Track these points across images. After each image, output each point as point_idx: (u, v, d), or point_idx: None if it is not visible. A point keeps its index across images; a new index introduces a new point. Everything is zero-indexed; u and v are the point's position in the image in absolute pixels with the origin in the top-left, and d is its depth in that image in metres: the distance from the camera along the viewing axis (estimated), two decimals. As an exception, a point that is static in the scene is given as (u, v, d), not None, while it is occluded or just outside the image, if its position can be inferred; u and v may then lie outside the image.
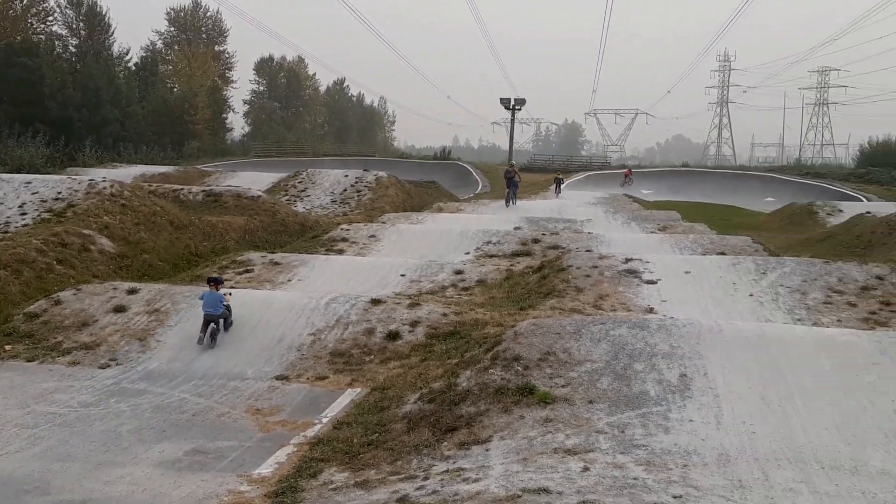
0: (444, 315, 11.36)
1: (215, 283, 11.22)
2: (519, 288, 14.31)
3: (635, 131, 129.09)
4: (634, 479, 5.88)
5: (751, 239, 19.93)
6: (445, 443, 7.16)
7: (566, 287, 13.33)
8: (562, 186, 42.54)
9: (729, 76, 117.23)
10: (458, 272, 15.48)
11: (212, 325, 10.69)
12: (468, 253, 18.64)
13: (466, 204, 33.67)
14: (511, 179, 32.03)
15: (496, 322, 10.99)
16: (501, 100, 45.78)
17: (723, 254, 17.05)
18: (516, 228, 22.54)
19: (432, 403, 7.99)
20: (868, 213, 30.74)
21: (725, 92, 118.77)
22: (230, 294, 11.34)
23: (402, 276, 15.29)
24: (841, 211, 34.19)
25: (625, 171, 53.39)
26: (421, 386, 8.64)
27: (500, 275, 15.40)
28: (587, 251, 16.42)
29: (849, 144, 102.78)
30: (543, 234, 20.45)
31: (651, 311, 12.14)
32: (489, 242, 19.44)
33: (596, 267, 14.21)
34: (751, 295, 12.87)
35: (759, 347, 8.14)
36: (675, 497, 5.48)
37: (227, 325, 11.00)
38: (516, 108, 45.99)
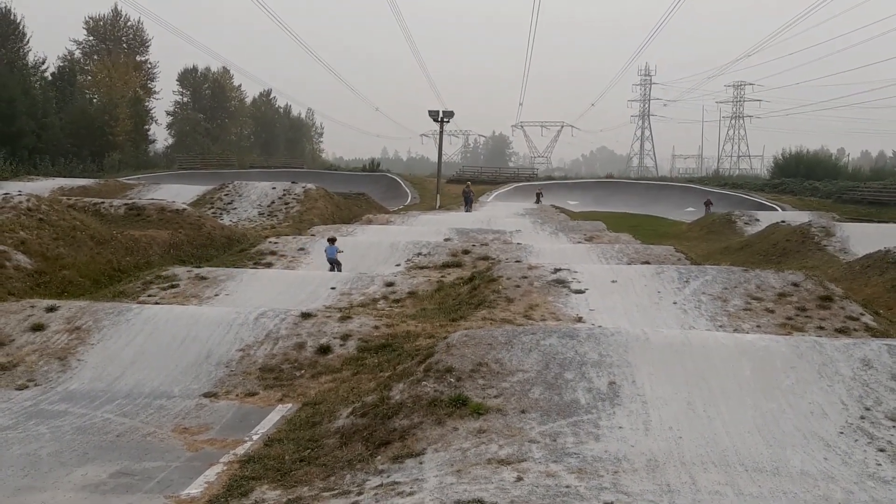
0: (376, 328, 11.30)
1: (332, 241, 18.49)
2: (450, 299, 14.35)
3: (561, 143, 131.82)
4: (567, 487, 5.95)
5: (673, 248, 20.53)
6: (379, 457, 7.10)
7: (497, 297, 13.44)
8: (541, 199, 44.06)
9: (650, 90, 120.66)
10: (389, 284, 15.44)
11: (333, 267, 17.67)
12: (399, 265, 18.61)
13: (396, 216, 33.65)
14: (467, 196, 38.33)
15: (428, 334, 11.00)
16: (430, 112, 45.98)
17: (647, 263, 17.49)
18: (446, 240, 22.63)
19: (365, 417, 7.92)
20: (783, 222, 32.02)
21: (647, 105, 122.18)
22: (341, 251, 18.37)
23: (333, 289, 15.16)
24: (758, 220, 35.55)
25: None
26: (353, 400, 8.57)
27: (432, 286, 15.43)
28: (517, 262, 16.59)
29: (763, 156, 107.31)
30: (473, 246, 20.59)
31: (580, 320, 12.35)
32: (420, 254, 19.46)
33: (525, 277, 14.38)
34: (675, 303, 13.23)
35: (684, 354, 8.36)
36: (606, 503, 5.57)
37: (340, 268, 17.78)
38: (444, 120, 46.21)
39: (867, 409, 7.46)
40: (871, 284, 18.82)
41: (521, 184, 61.47)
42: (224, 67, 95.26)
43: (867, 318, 12.71)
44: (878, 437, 6.99)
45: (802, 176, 59.11)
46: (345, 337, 10.99)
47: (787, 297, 13.27)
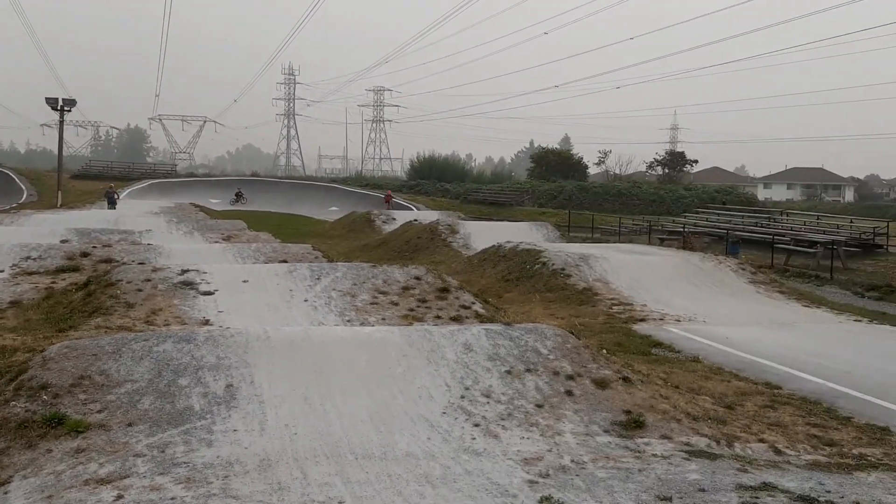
0: (-41, 345, 9.76)
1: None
2: (60, 308, 12.98)
3: (205, 139, 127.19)
4: (172, 498, 5.67)
5: (311, 246, 20.93)
6: (-49, 495, 6.11)
7: (115, 303, 12.47)
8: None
9: (294, 89, 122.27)
10: (-16, 294, 13.48)
11: None
12: (2, 271, 16.35)
13: (5, 216, 29.66)
14: (111, 196, 39.47)
15: (28, 347, 9.79)
16: (47, 99, 41.40)
17: (284, 261, 17.58)
18: (63, 241, 20.47)
19: (-67, 451, 6.76)
20: (416, 220, 34.61)
21: (292, 104, 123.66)
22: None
23: None
24: (394, 219, 37.97)
25: (385, 193, 51.77)
26: (-81, 432, 7.26)
27: (39, 294, 13.82)
28: (140, 264, 15.56)
29: (403, 158, 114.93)
30: (95, 247, 18.90)
31: (207, 322, 11.95)
32: (28, 258, 17.29)
33: (149, 280, 13.54)
34: (306, 300, 13.47)
35: (305, 350, 8.50)
36: (212, 511, 5.41)
37: None
38: (66, 108, 41.96)
39: (467, 389, 8.26)
40: (486, 276, 21.10)
41: (158, 180, 58.27)
42: None
43: (478, 307, 14.16)
44: (475, 414, 7.78)
45: (436, 178, 64.59)
46: (-85, 358, 9.30)
47: (411, 290, 14.27)
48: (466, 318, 13.41)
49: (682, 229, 34.58)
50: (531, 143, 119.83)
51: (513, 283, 19.73)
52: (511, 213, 46.71)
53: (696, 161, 76.00)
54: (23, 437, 6.81)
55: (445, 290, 14.55)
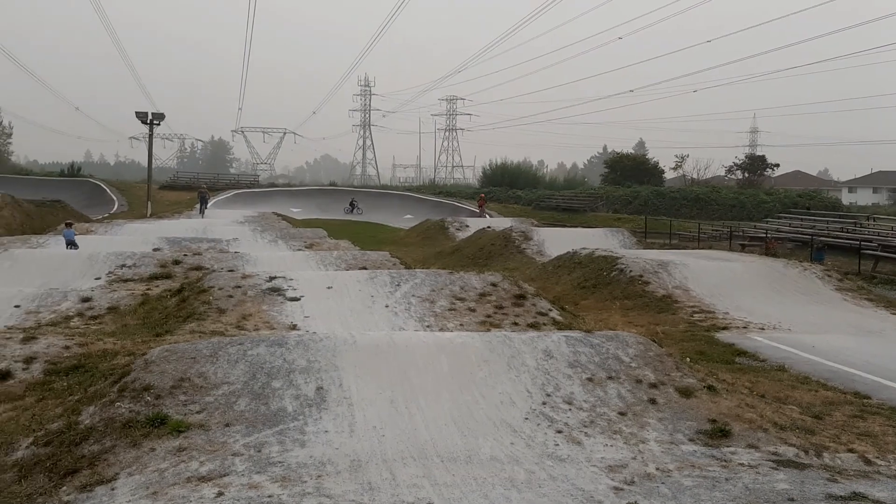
0: (67, 348, 10.31)
1: (69, 225, 22.99)
2: (156, 313, 13.56)
3: (285, 150, 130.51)
4: (269, 496, 5.90)
5: (389, 253, 21.25)
6: (65, 487, 6.49)
7: (207, 309, 12.96)
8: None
9: (370, 100, 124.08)
10: (86, 300, 14.19)
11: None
12: (99, 278, 17.20)
13: (99, 225, 31.06)
14: (203, 197, 43.80)
15: (128, 351, 10.27)
16: (137, 114, 43.14)
17: (364, 268, 17.93)
18: (155, 250, 21.37)
19: (49, 446, 7.19)
20: (489, 228, 34.63)
21: (367, 115, 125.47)
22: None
23: (17, 307, 13.59)
24: (468, 227, 38.08)
25: (479, 197, 52.20)
26: (35, 428, 7.73)
27: (136, 300, 14.45)
28: (230, 271, 16.12)
29: (475, 166, 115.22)
30: (185, 255, 19.66)
31: (294, 327, 12.31)
32: (124, 266, 18.14)
33: (239, 287, 14.02)
34: (386, 306, 13.71)
35: (389, 354, 8.69)
36: (307, 509, 5.60)
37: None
38: (154, 122, 43.66)
39: (548, 395, 8.30)
40: (561, 283, 21.03)
41: (241, 190, 59.97)
42: None
43: (555, 314, 14.15)
44: (557, 420, 7.81)
45: (507, 185, 64.52)
46: (28, 360, 9.88)
47: (488, 296, 14.36)
48: (544, 324, 13.41)
49: (764, 235, 33.62)
50: (604, 148, 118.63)
51: (589, 291, 19.60)
52: (585, 219, 46.26)
53: (777, 165, 73.75)
54: (128, 436, 7.17)
55: (522, 296, 14.58)
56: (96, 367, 9.66)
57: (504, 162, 75.32)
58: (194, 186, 57.68)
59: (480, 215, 46.66)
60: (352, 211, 51.46)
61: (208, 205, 44.64)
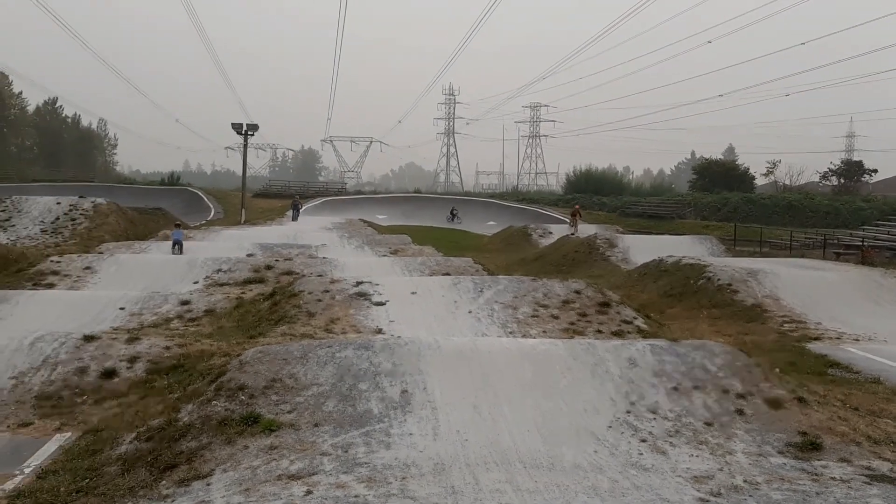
0: (167, 348, 10.81)
1: (178, 225, 26.01)
2: (250, 316, 14.04)
3: (371, 158, 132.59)
4: (356, 496, 6.04)
5: (472, 260, 21.35)
6: (164, 481, 6.81)
7: (297, 312, 13.33)
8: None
9: (454, 108, 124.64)
10: (185, 303, 14.82)
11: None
12: (197, 282, 17.92)
13: (197, 231, 32.33)
14: (296, 205, 46.12)
15: (223, 352, 10.68)
16: (233, 125, 44.67)
17: (447, 274, 18.08)
18: (249, 255, 22.09)
19: (150, 442, 7.56)
20: (573, 234, 34.31)
21: (451, 123, 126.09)
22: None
23: (122, 309, 14.30)
24: (551, 233, 37.78)
25: (573, 208, 41.17)
26: (138, 424, 8.15)
27: (231, 303, 15.00)
28: (319, 276, 16.54)
29: (558, 173, 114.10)
30: (277, 261, 20.26)
31: (380, 331, 12.53)
32: (219, 270, 18.84)
33: (327, 291, 14.37)
34: (470, 311, 13.79)
35: (472, 360, 8.75)
36: (392, 509, 5.71)
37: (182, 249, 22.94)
38: (249, 133, 45.12)
39: (632, 404, 8.19)
40: (647, 291, 20.65)
41: (330, 198, 61.31)
42: (1, 72, 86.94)
43: (640, 322, 13.93)
44: (641, 429, 7.70)
45: (592, 191, 63.66)
46: (132, 359, 10.41)
47: (571, 303, 14.25)
48: (628, 333, 13.22)
49: (860, 243, 32.13)
50: (692, 153, 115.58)
51: (675, 299, 19.18)
52: (672, 226, 45.26)
53: (874, 170, 70.31)
54: (223, 433, 7.47)
55: (606, 304, 14.42)
56: (194, 366, 10.10)
57: (588, 168, 74.43)
58: (286, 194, 59.32)
59: (572, 229, 37.27)
60: (452, 220, 51.72)
61: (300, 211, 46.26)
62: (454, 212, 53.25)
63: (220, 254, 21.40)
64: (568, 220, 39.83)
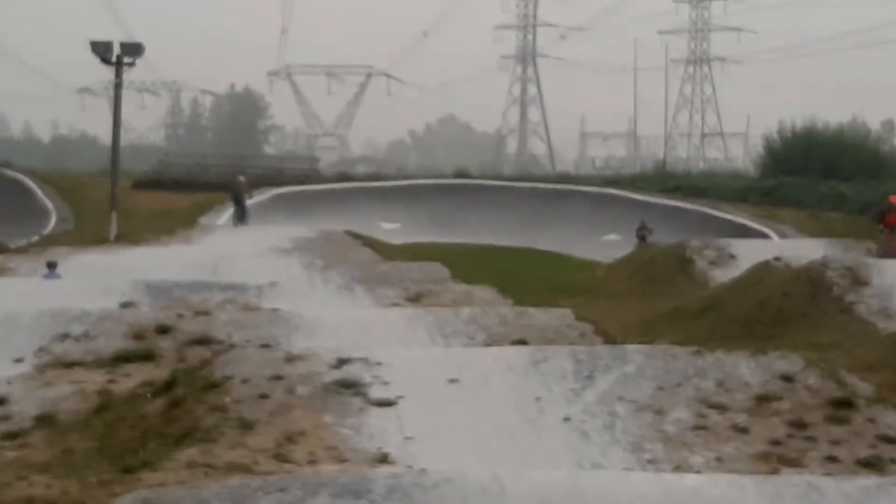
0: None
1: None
2: (125, 428, 14.17)
3: (369, 108, 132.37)
4: None
5: (573, 313, 21.29)
6: None
7: (221, 422, 13.41)
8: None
9: (535, 8, 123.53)
10: (-3, 402, 15.06)
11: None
12: (21, 359, 18.17)
13: (22, 258, 32.81)
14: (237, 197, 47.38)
15: (72, 502, 10.79)
16: (94, 44, 45.01)
17: (522, 342, 18.05)
18: (125, 305, 22.35)
19: None
20: (778, 260, 33.97)
21: (532, 37, 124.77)
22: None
23: None
24: (733, 257, 37.52)
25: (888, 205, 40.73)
26: None
27: (87, 402, 15.17)
28: (263, 347, 16.63)
29: (746, 133, 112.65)
30: (181, 316, 20.45)
31: (385, 459, 12.54)
32: (66, 335, 19.08)
33: (280, 378, 14.42)
34: (567, 419, 13.74)
35: (572, 519, 8.72)
36: None
37: None
38: (125, 60, 45.63)
39: None
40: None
41: (286, 188, 61.54)
42: None
43: (917, 440, 13.76)
44: None
45: (817, 172, 62.98)
46: None
47: (773, 401, 14.14)
48: (893, 461, 13.08)
49: None
50: None
51: None
52: None
53: None
54: None
55: (846, 402, 14.29)
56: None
57: (810, 125, 73.93)
58: (199, 182, 59.69)
59: (883, 248, 38.01)
60: (643, 240, 51.15)
61: (247, 212, 47.90)
62: (645, 226, 51.92)
63: (67, 302, 21.64)
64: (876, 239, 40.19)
